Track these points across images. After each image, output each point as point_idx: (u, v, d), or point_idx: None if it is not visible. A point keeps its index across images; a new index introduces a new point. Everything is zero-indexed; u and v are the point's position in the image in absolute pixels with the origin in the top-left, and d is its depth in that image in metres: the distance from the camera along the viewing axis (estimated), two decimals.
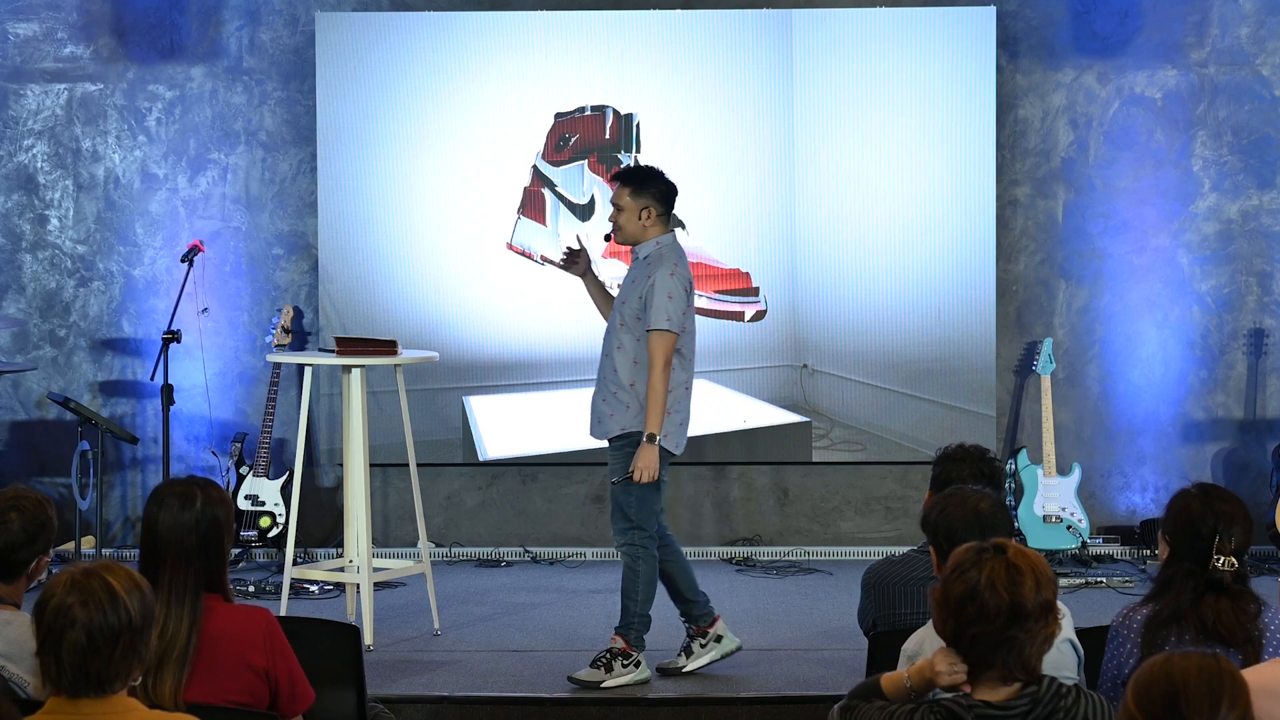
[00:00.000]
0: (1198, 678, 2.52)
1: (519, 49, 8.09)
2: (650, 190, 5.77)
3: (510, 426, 8.13)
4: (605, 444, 5.84)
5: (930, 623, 3.55)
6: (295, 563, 6.68)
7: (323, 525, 8.13)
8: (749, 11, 8.08)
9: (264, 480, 7.87)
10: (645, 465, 5.60)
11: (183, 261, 7.91)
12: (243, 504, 7.82)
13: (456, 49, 8.10)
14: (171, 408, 7.68)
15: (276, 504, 7.84)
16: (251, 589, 7.18)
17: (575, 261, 6.03)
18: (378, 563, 6.53)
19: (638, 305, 5.68)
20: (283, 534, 7.75)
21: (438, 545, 8.03)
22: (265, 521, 7.83)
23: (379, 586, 7.03)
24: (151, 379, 7.82)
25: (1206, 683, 2.52)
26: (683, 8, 8.10)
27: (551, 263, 6.14)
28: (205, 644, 3.56)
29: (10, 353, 8.23)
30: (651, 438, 5.60)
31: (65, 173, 8.23)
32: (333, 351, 6.54)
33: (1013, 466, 7.83)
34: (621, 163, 7.97)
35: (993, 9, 8.00)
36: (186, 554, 3.60)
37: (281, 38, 8.19)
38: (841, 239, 8.09)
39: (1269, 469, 7.86)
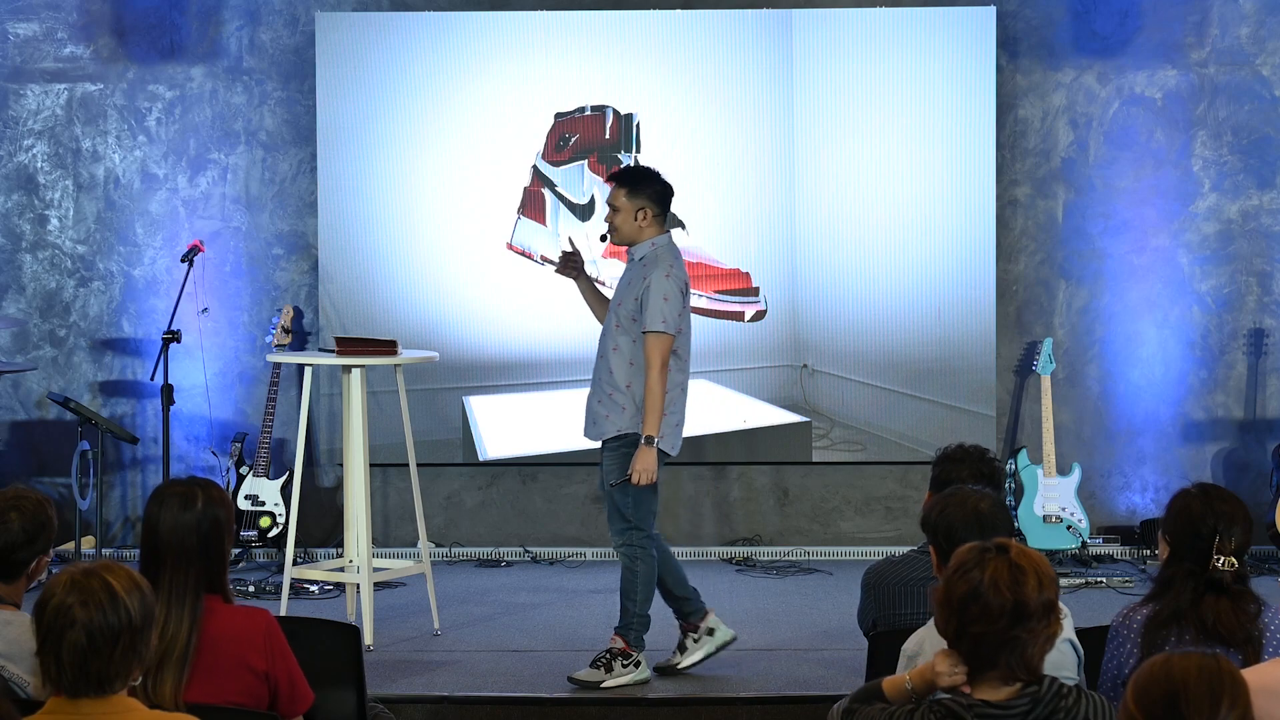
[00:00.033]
0: (1198, 678, 2.52)
1: (519, 49, 8.09)
2: (646, 191, 5.77)
3: (510, 426, 8.13)
4: (597, 445, 5.85)
5: (930, 623, 3.55)
6: (295, 563, 6.68)
7: (323, 525, 8.13)
8: (749, 11, 8.08)
9: (264, 480, 7.87)
10: (644, 468, 5.60)
11: (183, 261, 7.91)
12: (243, 504, 7.82)
13: (456, 49, 8.10)
14: (171, 408, 7.68)
15: (276, 504, 7.84)
16: (251, 589, 7.18)
17: (570, 264, 6.03)
18: (378, 563, 6.53)
19: (634, 307, 5.67)
20: (283, 534, 7.75)
21: (438, 545, 8.03)
22: (265, 521, 7.83)
23: (379, 586, 7.03)
24: (151, 379, 7.82)
25: (1206, 683, 2.52)
26: (683, 8, 8.10)
27: (551, 263, 6.14)
28: (205, 645, 3.56)
29: (10, 353, 8.23)
30: (650, 440, 5.60)
31: (65, 173, 8.23)
32: (333, 351, 6.54)
33: (1013, 466, 7.83)
34: (621, 163, 7.97)
35: (993, 9, 8.00)
36: (187, 554, 3.60)
37: (281, 38, 8.19)
38: (841, 239, 8.09)
39: (1269, 469, 7.86)
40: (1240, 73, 8.08)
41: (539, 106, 8.10)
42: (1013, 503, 7.78)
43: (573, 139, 8.13)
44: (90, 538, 7.82)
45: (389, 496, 8.18)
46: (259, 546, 7.85)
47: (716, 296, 8.11)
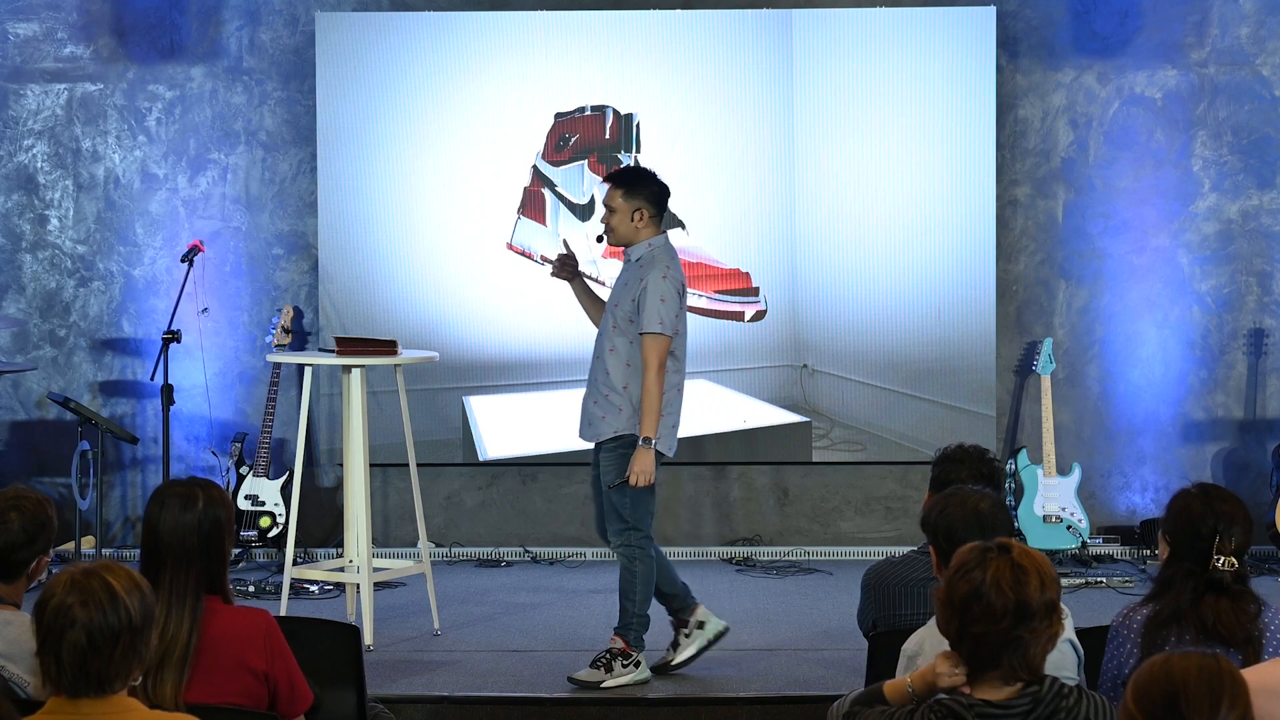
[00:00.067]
0: (1198, 678, 2.52)
1: (519, 49, 8.09)
2: (642, 192, 5.77)
3: (510, 426, 8.13)
4: (591, 445, 5.86)
5: (930, 623, 3.55)
6: (295, 563, 6.68)
7: (323, 525, 8.13)
8: (749, 11, 8.08)
9: (264, 480, 7.87)
10: (642, 469, 5.60)
11: (183, 261, 7.91)
12: (243, 504, 7.82)
13: (456, 49, 8.10)
14: (171, 408, 7.68)
15: (276, 504, 7.84)
16: (251, 589, 7.18)
17: (565, 266, 6.02)
18: (378, 563, 6.53)
19: (630, 308, 5.67)
20: (283, 534, 7.75)
21: (438, 545, 8.03)
22: (265, 521, 7.83)
23: (379, 586, 7.03)
24: (151, 379, 7.82)
25: (1206, 683, 2.52)
26: (683, 8, 8.10)
27: (551, 263, 6.14)
28: (205, 645, 3.56)
29: (10, 353, 8.23)
30: (648, 441, 5.60)
31: (65, 173, 8.23)
32: (333, 351, 6.54)
33: (1013, 466, 7.83)
34: (621, 163, 7.97)
35: (993, 9, 8.00)
36: (188, 555, 3.60)
37: (281, 38, 8.19)
38: (841, 239, 8.09)
39: (1269, 469, 7.86)
40: (1240, 73, 8.08)
41: (539, 106, 8.10)
42: (1013, 503, 7.78)
43: (573, 139, 8.13)
44: (90, 538, 7.82)
45: (389, 496, 8.18)
46: (259, 546, 7.85)
47: (716, 296, 8.11)
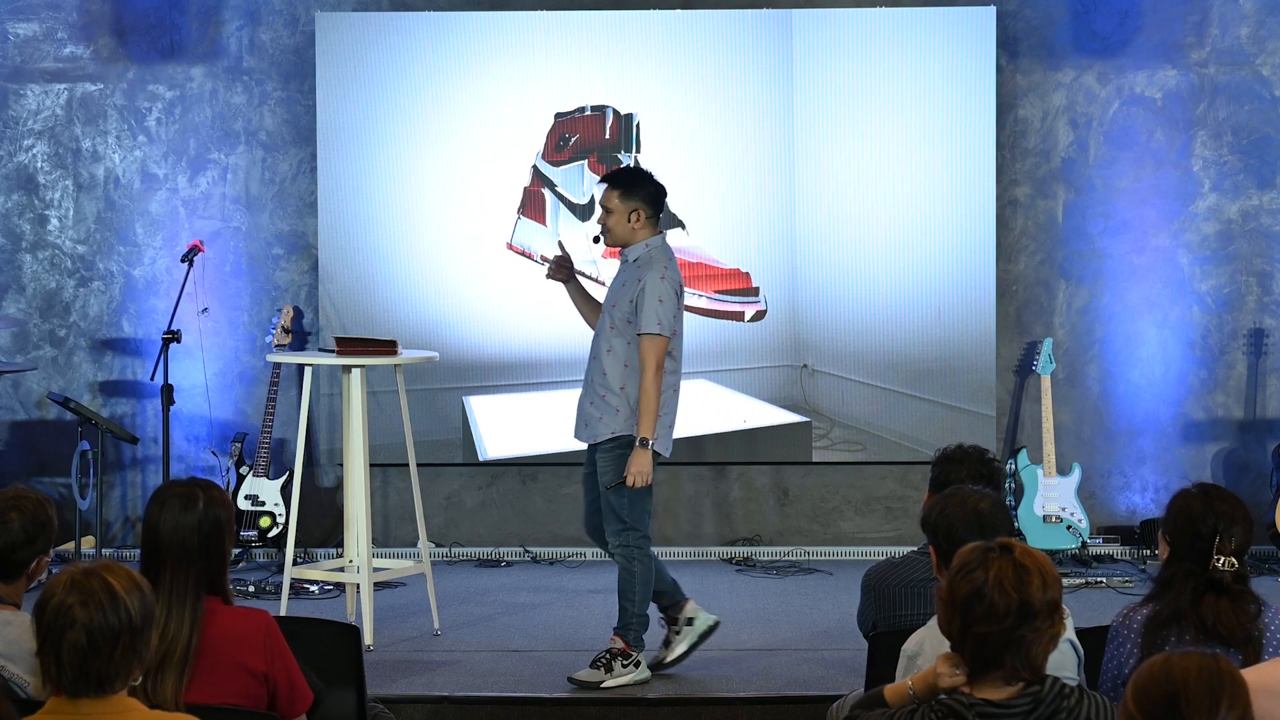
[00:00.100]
0: (1198, 678, 2.52)
1: (519, 49, 8.09)
2: (639, 193, 5.76)
3: (510, 426, 8.13)
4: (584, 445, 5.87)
5: (930, 623, 3.55)
6: (295, 563, 6.68)
7: (323, 525, 8.13)
8: (749, 11, 8.08)
9: (264, 480, 7.87)
10: (639, 470, 5.60)
11: (183, 261, 7.91)
12: (243, 504, 7.82)
13: (456, 49, 8.10)
14: (171, 408, 7.68)
15: (276, 504, 7.84)
16: (251, 589, 7.18)
17: (561, 268, 6.02)
18: (378, 563, 6.53)
19: (628, 309, 5.67)
20: (283, 534, 7.75)
21: (438, 545, 8.03)
22: (265, 521, 7.83)
23: (379, 586, 7.03)
24: (151, 379, 7.82)
25: (1206, 683, 2.52)
26: (683, 8, 8.10)
27: (548, 263, 6.14)
28: (205, 646, 3.56)
29: (10, 353, 8.23)
30: (645, 442, 5.60)
31: (65, 173, 8.23)
32: (333, 351, 6.54)
33: (1013, 466, 7.83)
34: (621, 163, 7.97)
35: (993, 9, 8.00)
36: (188, 555, 3.60)
37: (281, 38, 8.19)
38: (841, 239, 8.09)
39: (1269, 469, 7.86)
40: (1240, 73, 8.08)
41: (539, 106, 8.10)
42: (1013, 503, 7.78)
43: (573, 139, 8.13)
44: (90, 538, 7.82)
45: (389, 496, 8.18)
46: (259, 546, 7.86)
47: (716, 296, 8.11)
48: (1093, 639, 3.84)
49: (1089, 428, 8.15)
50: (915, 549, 4.49)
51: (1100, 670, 3.78)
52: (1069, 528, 7.76)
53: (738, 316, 8.14)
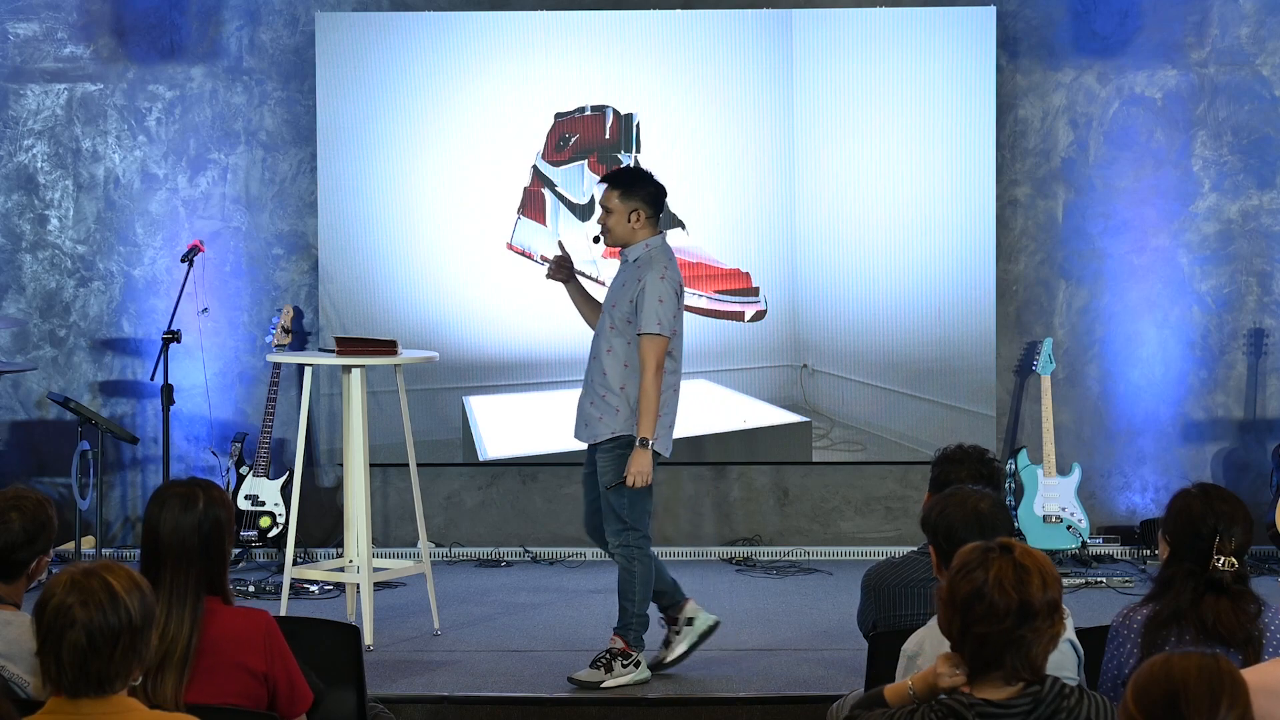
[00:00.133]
0: (1197, 678, 2.52)
1: (519, 49, 8.09)
2: (639, 193, 5.76)
3: (510, 426, 8.13)
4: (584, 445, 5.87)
5: (930, 623, 3.55)
6: (295, 563, 6.68)
7: (323, 525, 8.13)
8: (749, 11, 8.08)
9: (264, 480, 7.87)
10: (639, 470, 5.60)
11: (183, 261, 7.91)
12: (243, 504, 7.82)
13: (456, 49, 8.10)
14: (171, 408, 7.68)
15: (276, 504, 7.84)
16: (251, 589, 7.18)
17: (561, 268, 6.02)
18: (378, 563, 6.53)
19: (628, 309, 5.67)
20: (283, 534, 7.75)
21: (438, 545, 8.03)
22: (265, 521, 7.83)
23: (379, 586, 7.03)
24: (151, 379, 7.82)
25: (1206, 683, 2.52)
26: (683, 8, 8.10)
27: (548, 263, 6.14)
28: (205, 646, 3.56)
29: (10, 353, 8.23)
30: (645, 442, 5.60)
31: (65, 173, 8.23)
32: (333, 351, 6.54)
33: (1013, 466, 7.83)
34: (621, 163, 7.98)
35: (993, 9, 8.00)
36: (188, 555, 3.60)
37: (281, 38, 8.19)
38: (841, 239, 8.09)
39: (1269, 469, 7.86)
40: (1240, 73, 8.08)
41: (539, 106, 8.10)
42: (1013, 503, 7.78)
43: (573, 139, 8.13)
44: (90, 538, 7.82)
45: (389, 496, 8.18)
46: (259, 546, 7.85)
47: (716, 296, 8.11)
48: (1093, 639, 3.84)
49: (1089, 428, 8.15)
50: (915, 549, 4.49)
51: (1100, 670, 3.78)
52: (1069, 528, 7.76)
53: (738, 316, 8.14)
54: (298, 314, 8.10)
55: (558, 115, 8.11)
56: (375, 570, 6.38)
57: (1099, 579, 7.42)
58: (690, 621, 5.87)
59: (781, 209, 8.11)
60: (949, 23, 8.01)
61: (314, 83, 8.09)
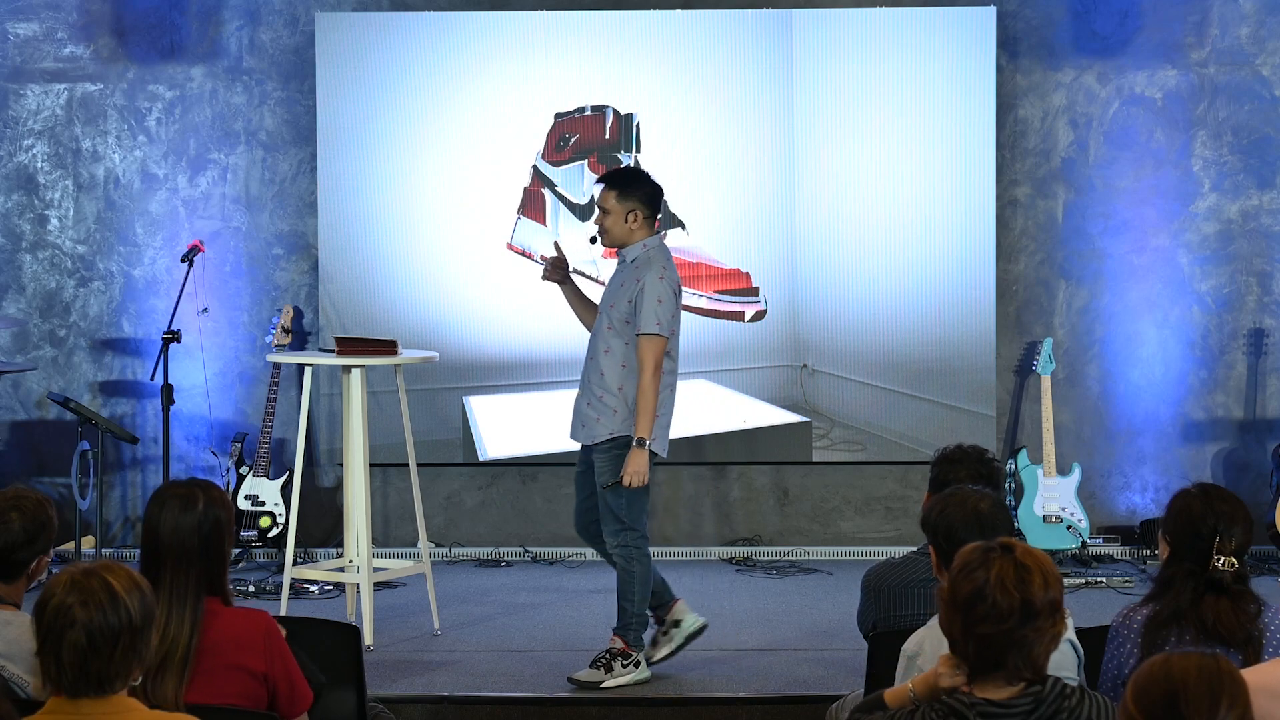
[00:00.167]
0: (1197, 678, 2.52)
1: (519, 49, 8.09)
2: (636, 193, 5.76)
3: (510, 426, 8.13)
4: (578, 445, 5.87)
5: (930, 623, 3.55)
6: (295, 563, 6.68)
7: (323, 525, 8.13)
8: (749, 11, 8.08)
9: (264, 480, 7.87)
10: (636, 470, 5.60)
11: (183, 261, 7.91)
12: (243, 504, 7.82)
13: (456, 49, 8.10)
14: (171, 408, 7.68)
15: (276, 504, 7.84)
16: (251, 589, 7.18)
17: (557, 268, 6.02)
18: (378, 563, 6.53)
19: (627, 309, 5.67)
20: (283, 534, 7.75)
21: (438, 545, 8.03)
22: (265, 521, 7.83)
23: (379, 586, 7.03)
24: (151, 379, 7.82)
25: (1206, 683, 2.51)
26: (683, 8, 8.10)
27: (545, 263, 6.13)
28: (204, 647, 3.56)
29: (10, 353, 8.23)
30: (642, 442, 5.60)
31: (65, 173, 8.23)
32: (333, 351, 6.54)
33: (1013, 466, 7.83)
34: (621, 163, 7.98)
35: (993, 9, 8.00)
36: (188, 556, 3.60)
37: (281, 38, 8.19)
38: (841, 239, 8.09)
39: (1269, 469, 7.86)
40: (1240, 73, 8.08)
41: (539, 106, 8.10)
42: (1013, 503, 7.78)
43: (573, 139, 8.13)
44: (90, 538, 7.82)
45: (389, 496, 8.18)
46: (259, 546, 7.85)
47: (716, 296, 8.11)
48: (1093, 639, 3.84)
49: (1089, 428, 8.15)
50: (915, 549, 4.49)
51: (1100, 670, 3.78)
52: (1069, 528, 7.76)
53: (738, 316, 8.14)
54: (298, 314, 8.10)
55: (558, 115, 8.12)
56: (375, 570, 6.38)
57: (1099, 579, 7.42)
58: (677, 624, 5.87)
59: (781, 209, 8.11)
60: (949, 23, 8.01)
61: (314, 83, 8.09)
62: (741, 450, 8.15)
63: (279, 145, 8.20)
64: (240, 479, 7.87)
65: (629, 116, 8.11)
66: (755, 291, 8.13)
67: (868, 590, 4.58)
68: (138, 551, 4.20)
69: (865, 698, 3.41)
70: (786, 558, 8.04)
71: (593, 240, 5.97)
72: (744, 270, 8.13)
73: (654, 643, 5.89)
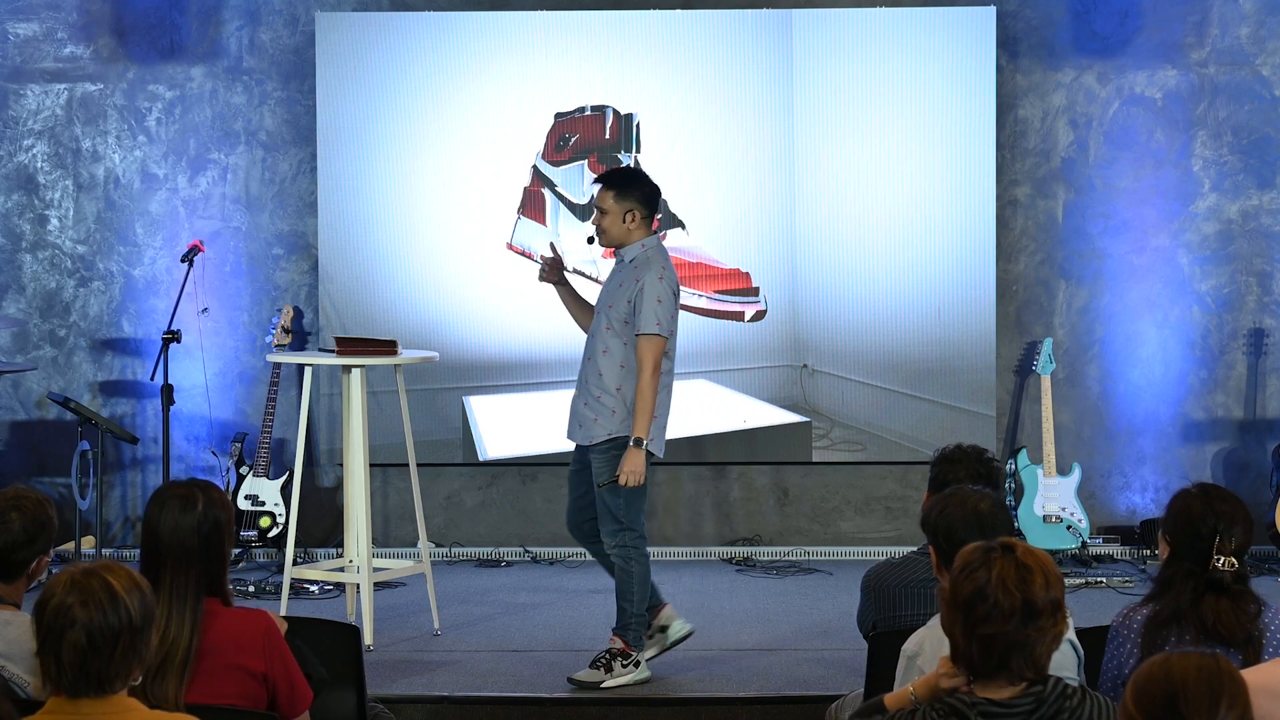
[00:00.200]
0: (1197, 678, 2.52)
1: (519, 49, 8.09)
2: (634, 193, 5.76)
3: (510, 426, 8.13)
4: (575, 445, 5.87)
5: (930, 623, 3.55)
6: (295, 563, 6.68)
7: (323, 525, 8.13)
8: (749, 11, 8.08)
9: (264, 480, 7.87)
10: (632, 469, 5.59)
11: (183, 261, 7.91)
12: (243, 504, 7.82)
13: (456, 49, 8.10)
14: (171, 408, 7.68)
15: (276, 504, 7.84)
16: (251, 589, 7.18)
17: (554, 269, 6.02)
18: (378, 563, 6.53)
19: (626, 309, 5.66)
20: (283, 534, 7.75)
21: (438, 545, 8.03)
22: (265, 521, 7.83)
23: (379, 586, 7.03)
24: (151, 379, 7.82)
25: (1206, 683, 2.51)
26: (683, 8, 8.10)
27: (543, 264, 6.12)
28: (204, 648, 3.56)
29: (10, 353, 8.23)
30: (639, 442, 5.60)
31: (65, 173, 8.23)
32: (333, 351, 6.54)
33: (1013, 466, 7.83)
34: (621, 163, 7.98)
35: (993, 9, 8.00)
36: (188, 557, 3.60)
37: (281, 38, 8.19)
38: (841, 239, 8.09)
39: (1269, 469, 7.86)
40: (1240, 73, 8.08)
41: (539, 106, 8.10)
42: (1013, 503, 7.78)
43: (573, 139, 8.13)
44: (90, 538, 7.82)
45: (389, 496, 8.18)
46: (259, 546, 7.85)
47: (716, 296, 8.11)
48: (1093, 639, 3.83)
49: (1089, 428, 8.15)
50: (915, 549, 4.49)
51: (1100, 670, 3.78)
52: (1069, 528, 7.76)
53: (738, 316, 8.14)
54: (298, 314, 8.10)
55: (558, 115, 8.12)
56: (375, 570, 6.38)
57: (1099, 579, 7.42)
58: (664, 629, 5.87)
59: (781, 209, 8.11)
60: (949, 23, 8.01)
61: (314, 83, 8.09)
62: (741, 450, 8.15)
63: (279, 145, 8.20)
64: (240, 479, 7.87)
65: (629, 116, 8.11)
66: (755, 291, 8.13)
67: (868, 590, 4.58)
68: (138, 551, 4.20)
69: (865, 703, 3.40)
70: (786, 558, 8.04)
71: (590, 240, 5.97)
72: (744, 270, 8.13)
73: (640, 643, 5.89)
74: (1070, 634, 3.67)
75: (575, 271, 7.97)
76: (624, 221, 5.74)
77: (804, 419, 8.12)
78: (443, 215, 8.13)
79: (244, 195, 8.20)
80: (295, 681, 3.68)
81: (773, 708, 5.59)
